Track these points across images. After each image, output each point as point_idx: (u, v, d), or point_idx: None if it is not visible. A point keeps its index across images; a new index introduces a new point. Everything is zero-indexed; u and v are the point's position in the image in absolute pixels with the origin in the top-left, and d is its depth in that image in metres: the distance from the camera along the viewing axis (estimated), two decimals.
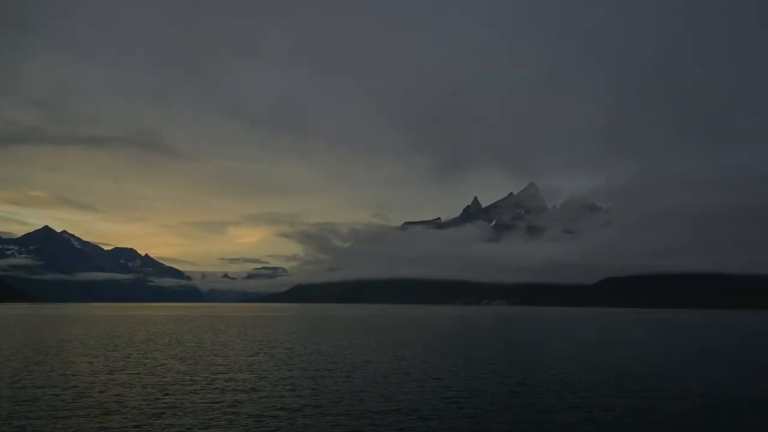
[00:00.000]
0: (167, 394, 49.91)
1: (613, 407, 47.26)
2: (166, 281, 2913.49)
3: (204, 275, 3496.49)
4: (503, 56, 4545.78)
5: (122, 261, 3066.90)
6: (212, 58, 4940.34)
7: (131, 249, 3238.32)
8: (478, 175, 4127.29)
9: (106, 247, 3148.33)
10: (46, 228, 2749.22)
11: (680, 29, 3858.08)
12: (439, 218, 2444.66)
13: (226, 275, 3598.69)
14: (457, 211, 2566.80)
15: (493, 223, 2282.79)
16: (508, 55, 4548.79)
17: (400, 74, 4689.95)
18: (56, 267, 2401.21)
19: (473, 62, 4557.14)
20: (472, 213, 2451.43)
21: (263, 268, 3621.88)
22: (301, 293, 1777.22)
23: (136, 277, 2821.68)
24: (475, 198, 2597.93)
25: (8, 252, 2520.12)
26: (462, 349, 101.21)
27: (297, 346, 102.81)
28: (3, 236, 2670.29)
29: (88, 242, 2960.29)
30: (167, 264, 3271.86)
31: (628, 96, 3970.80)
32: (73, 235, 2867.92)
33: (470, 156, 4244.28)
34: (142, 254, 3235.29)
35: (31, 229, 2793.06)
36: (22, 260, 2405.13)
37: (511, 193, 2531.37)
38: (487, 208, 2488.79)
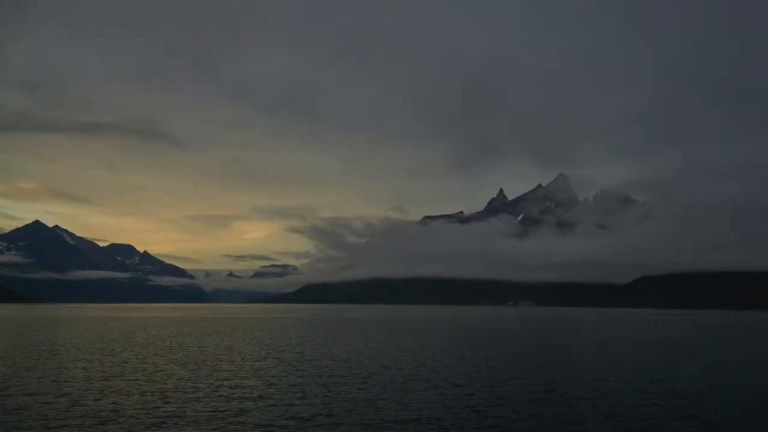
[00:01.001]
0: (168, 402, 49.92)
1: (650, 417, 46.79)
2: (167, 280, 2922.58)
3: (207, 273, 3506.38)
4: (533, 34, 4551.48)
5: (119, 258, 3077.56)
6: (217, 38, 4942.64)
7: (129, 245, 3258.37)
8: (504, 165, 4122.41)
9: (101, 243, 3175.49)
10: (37, 222, 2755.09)
11: (732, 5, 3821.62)
12: (461, 212, 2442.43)
13: (231, 274, 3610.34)
14: (481, 204, 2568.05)
15: (520, 217, 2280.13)
16: (538, 33, 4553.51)
17: (420, 55, 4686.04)
18: (48, 265, 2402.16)
19: (500, 41, 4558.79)
20: (498, 206, 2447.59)
21: (272, 265, 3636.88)
22: (313, 293, 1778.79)
23: (134, 276, 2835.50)
24: (501, 190, 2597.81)
25: None
26: (486, 353, 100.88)
27: (308, 350, 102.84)
28: None
29: (82, 238, 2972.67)
30: (168, 261, 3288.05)
31: (671, 78, 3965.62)
32: (65, 231, 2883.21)
33: (496, 144, 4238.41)
34: (141, 251, 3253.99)
35: (21, 224, 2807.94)
36: (11, 257, 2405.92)
37: (540, 185, 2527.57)
38: (513, 200, 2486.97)
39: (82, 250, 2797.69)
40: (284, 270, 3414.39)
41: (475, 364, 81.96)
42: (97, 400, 50.51)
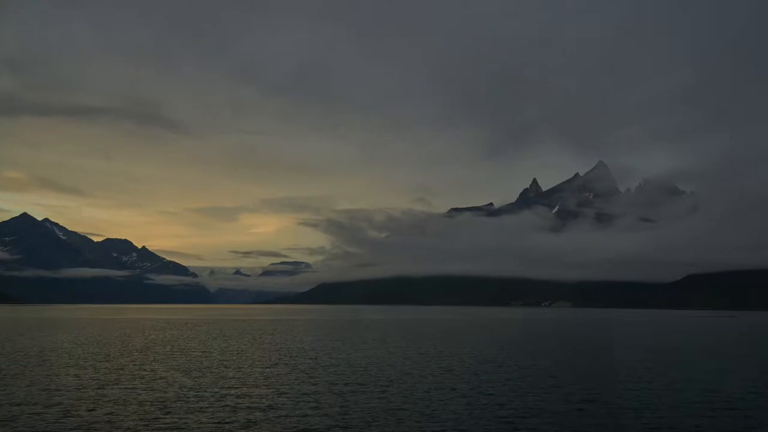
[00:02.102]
0: (168, 412, 49.72)
1: (698, 429, 46.30)
2: (168, 279, 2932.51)
3: (212, 271, 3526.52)
4: (569, 9, 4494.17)
5: (115, 255, 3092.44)
6: (223, 11, 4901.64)
7: (126, 240, 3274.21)
8: (538, 152, 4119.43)
9: (95, 238, 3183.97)
10: (25, 215, 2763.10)
11: None
12: (491, 204, 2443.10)
13: (238, 271, 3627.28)
14: (512, 196, 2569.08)
15: (556, 209, 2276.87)
16: (575, 7, 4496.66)
17: (447, 32, 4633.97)
18: (36, 262, 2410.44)
19: (534, 17, 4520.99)
20: (531, 197, 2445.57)
21: (283, 263, 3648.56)
22: (328, 293, 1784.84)
23: (131, 274, 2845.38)
24: (534, 180, 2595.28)
25: None
26: (518, 359, 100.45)
27: (322, 355, 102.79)
28: None
29: (74, 232, 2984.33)
30: (168, 258, 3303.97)
31: (721, 55, 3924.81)
32: (56, 224, 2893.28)
33: (529, 129, 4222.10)
34: (139, 246, 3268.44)
35: (7, 217, 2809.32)
36: None
37: (577, 174, 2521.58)
38: (548, 191, 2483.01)
39: (75, 246, 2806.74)
40: (296, 268, 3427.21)
41: (506, 372, 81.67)
42: (91, 410, 50.37)
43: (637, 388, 67.31)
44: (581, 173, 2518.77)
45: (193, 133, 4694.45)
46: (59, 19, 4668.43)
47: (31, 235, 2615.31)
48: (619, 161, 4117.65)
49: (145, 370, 78.94)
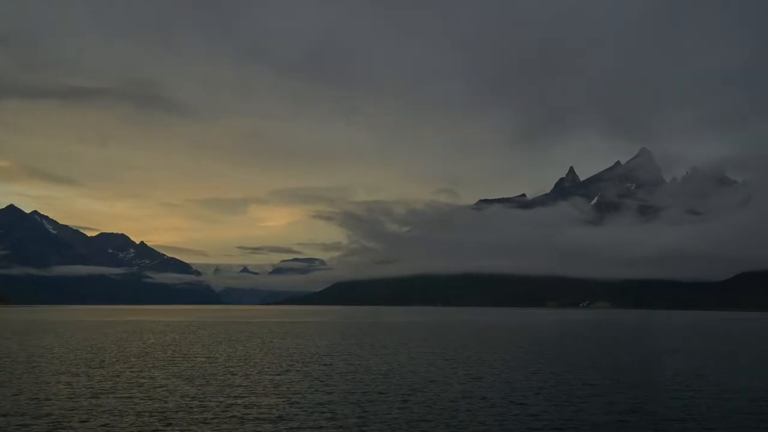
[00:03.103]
0: (169, 424, 49.64)
1: None
2: (168, 277, 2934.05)
3: (218, 269, 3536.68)
4: None
5: (111, 251, 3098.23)
6: None
7: (122, 235, 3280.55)
8: (575, 138, 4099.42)
9: (89, 233, 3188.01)
10: (12, 208, 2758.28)
11: None
12: (524, 195, 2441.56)
13: (245, 269, 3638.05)
14: (547, 186, 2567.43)
15: (595, 201, 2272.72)
16: None
17: (475, 6, 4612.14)
18: (24, 258, 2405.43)
19: None
20: (567, 188, 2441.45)
21: (294, 259, 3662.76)
22: (344, 293, 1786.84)
23: (128, 272, 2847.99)
24: (571, 168, 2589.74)
25: None
26: (554, 365, 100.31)
27: (338, 361, 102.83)
28: None
29: (65, 226, 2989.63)
30: (169, 255, 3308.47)
31: None
32: (46, 217, 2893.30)
33: (565, 114, 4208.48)
34: (137, 242, 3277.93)
35: None
36: None
37: (618, 162, 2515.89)
38: (586, 181, 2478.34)
39: (66, 241, 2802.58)
40: (310, 265, 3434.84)
41: (540, 379, 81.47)
42: (84, 422, 50.33)
43: (684, 397, 67.02)
44: (622, 161, 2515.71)
45: (197, 117, 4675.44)
46: None
47: (18, 228, 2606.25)
48: (665, 148, 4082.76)
49: (143, 377, 79.10)
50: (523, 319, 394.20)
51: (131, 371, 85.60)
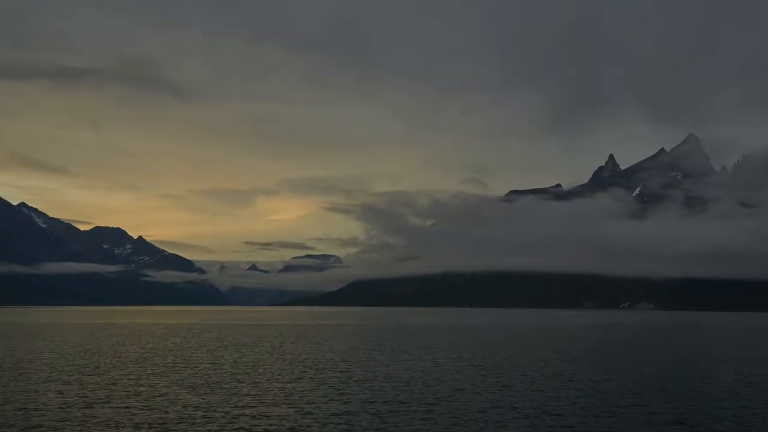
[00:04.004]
0: None
1: None
2: (169, 275, 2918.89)
3: (223, 267, 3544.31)
4: None
5: (106, 246, 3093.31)
6: None
7: (119, 229, 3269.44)
8: (615, 123, 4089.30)
9: (82, 227, 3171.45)
10: None
11: None
12: (559, 185, 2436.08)
13: (254, 267, 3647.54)
14: (585, 176, 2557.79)
15: (637, 192, 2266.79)
16: None
17: None
18: (11, 255, 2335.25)
19: None
20: (607, 178, 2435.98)
21: (308, 256, 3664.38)
22: (362, 292, 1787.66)
23: (125, 270, 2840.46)
24: (611, 156, 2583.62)
25: None
26: (592, 372, 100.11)
27: (356, 368, 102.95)
28: None
29: (56, 219, 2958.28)
30: (170, 251, 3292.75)
31: None
32: (35, 210, 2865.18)
33: (604, 96, 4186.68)
34: (135, 236, 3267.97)
35: None
36: None
37: (663, 149, 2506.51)
38: (627, 170, 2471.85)
39: (58, 236, 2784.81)
40: (324, 262, 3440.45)
41: (577, 387, 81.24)
42: None
43: (734, 407, 66.81)
44: (667, 148, 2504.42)
45: (201, 100, 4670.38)
46: None
47: (4, 222, 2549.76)
48: (714, 134, 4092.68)
49: (141, 385, 79.25)
50: (558, 322, 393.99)
51: (128, 379, 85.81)
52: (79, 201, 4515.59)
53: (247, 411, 60.53)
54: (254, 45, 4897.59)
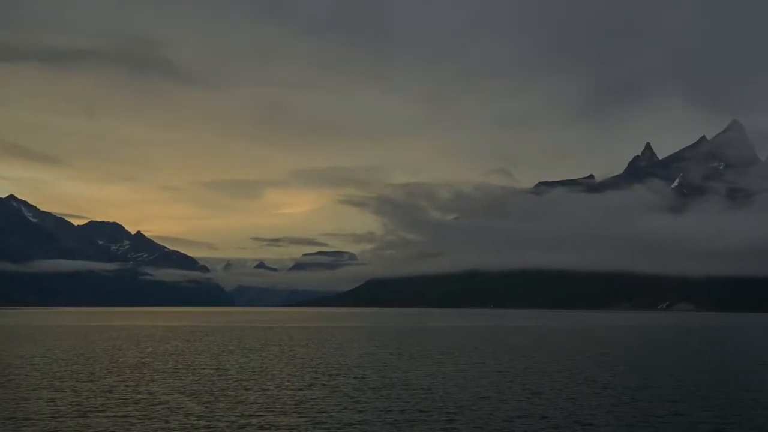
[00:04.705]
0: None
1: None
2: (170, 274, 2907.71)
3: (228, 264, 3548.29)
4: None
5: (101, 242, 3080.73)
6: None
7: (115, 224, 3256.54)
8: (652, 109, 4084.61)
9: (76, 221, 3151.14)
10: None
11: None
12: (591, 176, 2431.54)
13: (262, 264, 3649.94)
14: (619, 166, 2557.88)
15: (676, 183, 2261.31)
16: None
17: None
18: None
19: None
20: (643, 168, 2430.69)
21: (320, 253, 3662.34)
22: (379, 292, 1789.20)
23: (122, 268, 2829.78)
24: (648, 145, 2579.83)
25: None
26: (628, 378, 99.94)
27: (372, 374, 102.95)
28: None
29: (48, 213, 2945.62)
30: (171, 247, 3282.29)
31: None
32: (24, 203, 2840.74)
33: (641, 80, 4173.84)
34: (133, 232, 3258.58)
35: None
36: None
37: (703, 138, 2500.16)
38: (666, 160, 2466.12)
39: (49, 231, 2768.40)
40: (337, 259, 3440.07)
41: (612, 394, 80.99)
42: None
43: None
44: (709, 136, 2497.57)
45: (205, 84, 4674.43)
46: None
47: None
48: (759, 121, 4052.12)
49: (140, 392, 79.31)
50: (590, 324, 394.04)
51: (126, 385, 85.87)
52: (72, 193, 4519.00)
53: (254, 420, 60.48)
54: (262, 25, 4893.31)
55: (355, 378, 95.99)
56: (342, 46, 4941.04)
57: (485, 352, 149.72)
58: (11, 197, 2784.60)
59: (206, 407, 67.76)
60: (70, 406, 67.98)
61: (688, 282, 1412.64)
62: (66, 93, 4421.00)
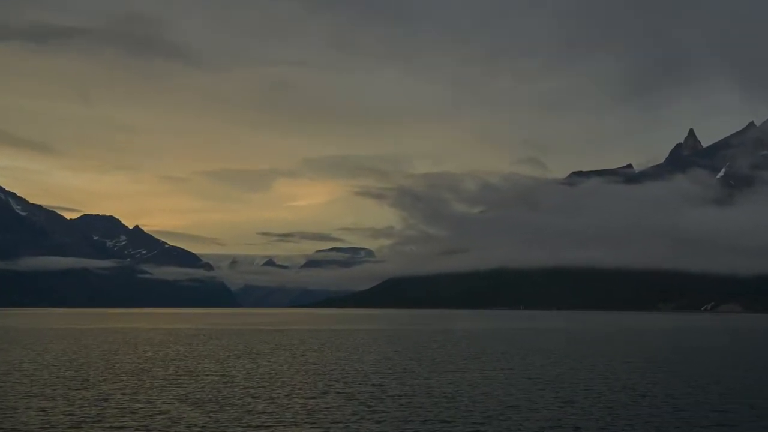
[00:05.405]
0: None
1: None
2: (171, 271, 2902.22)
3: (234, 261, 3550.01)
4: None
5: (96, 238, 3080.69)
6: None
7: (112, 217, 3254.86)
8: (696, 93, 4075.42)
9: (69, 215, 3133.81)
10: None
11: None
12: (629, 165, 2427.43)
13: (270, 261, 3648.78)
14: (660, 154, 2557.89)
15: (722, 173, 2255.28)
16: None
17: None
18: None
19: None
20: (686, 157, 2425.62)
21: (334, 249, 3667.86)
22: (398, 291, 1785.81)
23: (119, 265, 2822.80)
24: (691, 131, 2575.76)
25: None
26: (670, 386, 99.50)
27: (390, 380, 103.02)
28: None
29: (38, 206, 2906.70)
30: (172, 243, 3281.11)
31: None
32: (12, 195, 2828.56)
33: (684, 62, 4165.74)
34: (130, 226, 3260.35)
35: None
36: None
37: (752, 123, 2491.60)
38: (710, 148, 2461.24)
39: (40, 225, 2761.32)
40: (354, 256, 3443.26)
41: (652, 404, 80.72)
42: None
43: None
44: (757, 122, 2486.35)
45: (208, 65, 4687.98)
46: None
47: None
48: None
49: (138, 401, 79.41)
50: (628, 326, 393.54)
51: (123, 393, 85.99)
52: (64, 184, 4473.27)
53: (262, 431, 60.48)
54: (270, 1, 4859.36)
55: (372, 385, 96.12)
56: (357, 22, 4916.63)
57: (514, 357, 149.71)
58: None
59: (210, 417, 67.87)
60: (62, 417, 68.10)
61: (735, 281, 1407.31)
62: (57, 74, 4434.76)
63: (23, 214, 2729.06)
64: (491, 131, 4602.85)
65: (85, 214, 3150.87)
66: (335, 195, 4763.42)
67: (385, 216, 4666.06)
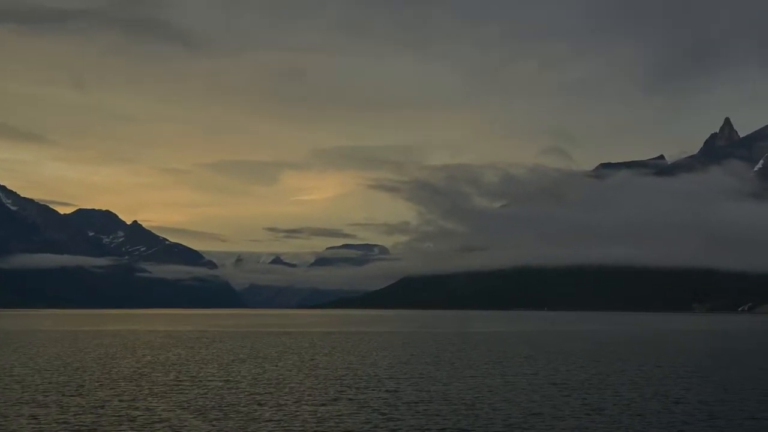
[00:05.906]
0: None
1: None
2: (171, 270, 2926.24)
3: (239, 259, 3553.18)
4: None
5: (92, 234, 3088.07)
6: None
7: (108, 212, 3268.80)
8: (732, 80, 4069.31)
9: (63, 209, 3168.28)
10: None
11: None
12: (661, 157, 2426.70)
13: (278, 259, 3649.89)
14: (694, 145, 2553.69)
15: (760, 165, 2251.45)
16: None
17: None
18: None
19: None
20: (722, 148, 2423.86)
21: (345, 246, 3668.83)
22: (414, 291, 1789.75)
23: (116, 263, 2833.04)
24: (727, 120, 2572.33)
25: None
26: (704, 392, 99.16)
27: (406, 386, 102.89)
28: None
29: (29, 200, 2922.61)
30: (173, 239, 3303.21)
31: None
32: (2, 188, 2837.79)
33: (719, 48, 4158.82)
34: (128, 222, 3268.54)
35: None
36: None
37: None
38: (747, 138, 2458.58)
39: (32, 221, 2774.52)
40: (367, 254, 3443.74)
41: (685, 411, 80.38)
42: None
43: None
44: None
45: (212, 51, 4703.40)
46: None
47: None
48: None
49: (137, 408, 79.36)
50: (660, 328, 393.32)
51: (120, 400, 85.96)
52: (58, 177, 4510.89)
53: None
54: None
55: (386, 391, 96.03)
56: (371, 5, 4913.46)
57: (538, 362, 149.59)
58: None
59: (214, 426, 67.85)
60: (55, 425, 68.11)
61: None
62: (50, 60, 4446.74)
63: (14, 208, 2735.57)
64: (514, 120, 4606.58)
65: (79, 209, 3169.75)
66: (346, 188, 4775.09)
67: (399, 211, 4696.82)
